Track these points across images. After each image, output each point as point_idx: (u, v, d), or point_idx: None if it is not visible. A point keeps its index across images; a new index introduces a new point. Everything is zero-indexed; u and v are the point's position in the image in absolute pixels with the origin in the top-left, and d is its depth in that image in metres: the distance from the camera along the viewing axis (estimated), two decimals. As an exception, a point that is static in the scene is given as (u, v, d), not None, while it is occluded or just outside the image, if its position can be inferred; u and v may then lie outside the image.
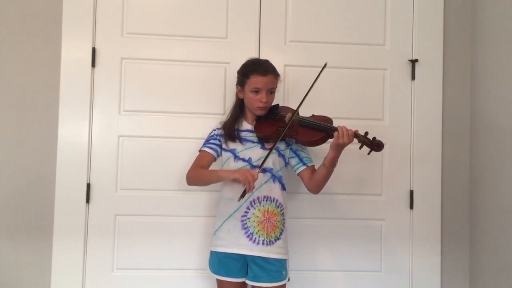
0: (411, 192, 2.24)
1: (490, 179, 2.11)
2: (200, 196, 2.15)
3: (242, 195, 1.70)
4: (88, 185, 2.13)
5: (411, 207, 2.24)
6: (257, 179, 1.69)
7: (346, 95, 2.24)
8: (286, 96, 2.19)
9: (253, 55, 2.16)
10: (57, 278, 2.10)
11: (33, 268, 2.12)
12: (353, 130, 1.72)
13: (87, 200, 2.13)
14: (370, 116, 2.25)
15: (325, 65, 1.82)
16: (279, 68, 2.16)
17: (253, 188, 1.69)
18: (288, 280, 1.86)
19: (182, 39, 2.19)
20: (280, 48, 2.22)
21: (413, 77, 2.26)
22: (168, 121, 2.17)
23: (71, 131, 2.13)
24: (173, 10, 2.20)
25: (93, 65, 2.15)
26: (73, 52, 2.14)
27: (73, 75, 2.13)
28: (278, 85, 1.91)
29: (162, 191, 2.16)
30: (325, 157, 1.77)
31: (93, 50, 2.15)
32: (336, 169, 2.13)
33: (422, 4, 2.27)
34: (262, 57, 2.17)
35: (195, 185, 1.95)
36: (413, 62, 2.25)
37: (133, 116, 2.17)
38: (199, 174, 1.88)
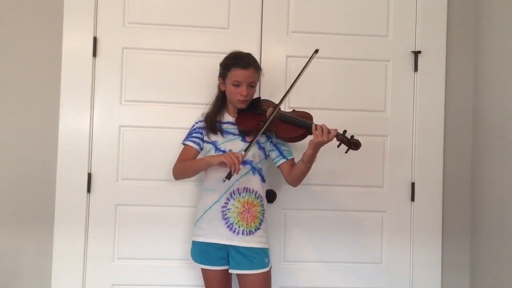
0: (413, 184, 2.24)
1: (491, 171, 2.10)
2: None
3: (228, 177, 1.71)
4: (89, 175, 2.13)
5: (413, 199, 2.23)
6: (241, 161, 1.71)
7: (348, 87, 2.23)
8: (288, 87, 2.18)
9: (255, 45, 2.16)
10: (58, 267, 2.11)
11: (34, 257, 2.12)
12: (333, 129, 1.72)
13: (88, 190, 2.13)
14: (372, 107, 2.24)
15: (316, 51, 1.81)
16: (281, 59, 2.16)
17: (239, 170, 1.70)
18: (270, 268, 1.87)
19: (183, 29, 2.18)
20: (282, 39, 2.20)
21: (415, 69, 2.24)
22: (169, 111, 2.16)
23: (72, 121, 2.12)
24: (175, 0, 2.18)
25: (94, 54, 2.14)
26: (74, 42, 2.13)
27: (74, 65, 2.13)
28: (262, 77, 1.93)
29: (163, 181, 2.15)
30: (304, 153, 1.78)
31: (94, 39, 2.14)
32: (337, 161, 2.15)
33: (425, -5, 2.25)
34: (264, 48, 2.17)
35: (183, 178, 1.98)
36: (416, 53, 2.24)
37: (134, 106, 2.16)
38: (187, 165, 1.91)
